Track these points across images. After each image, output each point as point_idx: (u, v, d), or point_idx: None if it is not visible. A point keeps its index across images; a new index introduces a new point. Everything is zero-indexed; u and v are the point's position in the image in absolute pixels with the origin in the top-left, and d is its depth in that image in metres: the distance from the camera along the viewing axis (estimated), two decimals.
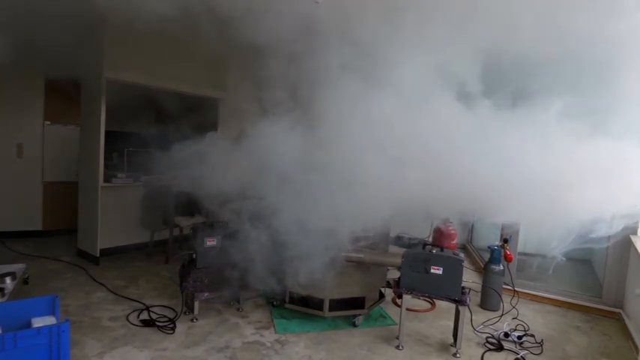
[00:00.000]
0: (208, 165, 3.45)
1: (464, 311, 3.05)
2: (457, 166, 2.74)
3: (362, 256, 3.41)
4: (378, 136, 2.92)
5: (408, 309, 3.32)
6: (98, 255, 4.75)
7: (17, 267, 3.73)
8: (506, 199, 2.66)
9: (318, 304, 3.47)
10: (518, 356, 3.09)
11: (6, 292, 3.15)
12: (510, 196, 2.64)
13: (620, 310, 3.90)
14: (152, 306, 3.62)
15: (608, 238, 3.61)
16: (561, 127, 2.56)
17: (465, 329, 3.19)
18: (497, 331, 3.41)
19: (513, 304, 3.84)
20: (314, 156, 3.03)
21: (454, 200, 2.83)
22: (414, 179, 2.79)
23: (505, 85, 2.95)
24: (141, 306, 3.63)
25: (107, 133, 4.68)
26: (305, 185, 3.05)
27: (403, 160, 2.83)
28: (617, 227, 2.68)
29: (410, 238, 3.71)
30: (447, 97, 2.91)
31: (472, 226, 5.99)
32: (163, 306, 3.64)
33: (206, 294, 3.41)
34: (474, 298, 4.00)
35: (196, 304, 3.41)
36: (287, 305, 3.59)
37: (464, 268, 3.09)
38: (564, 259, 2.87)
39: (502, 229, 4.39)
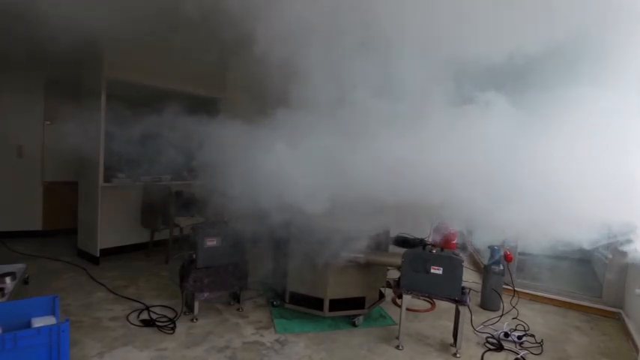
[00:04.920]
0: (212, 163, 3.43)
1: (464, 311, 3.05)
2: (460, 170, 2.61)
3: (362, 256, 3.41)
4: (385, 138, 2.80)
5: (408, 309, 3.31)
6: (98, 255, 4.76)
7: (17, 267, 3.73)
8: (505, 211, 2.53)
9: (318, 304, 3.47)
10: (518, 356, 3.09)
11: (6, 292, 3.15)
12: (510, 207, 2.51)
13: (620, 310, 3.90)
14: (152, 306, 3.62)
15: (608, 245, 3.61)
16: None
17: (465, 329, 3.19)
18: (497, 331, 3.41)
19: (513, 304, 3.85)
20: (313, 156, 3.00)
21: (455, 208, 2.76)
22: (417, 183, 2.69)
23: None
24: (141, 306, 3.63)
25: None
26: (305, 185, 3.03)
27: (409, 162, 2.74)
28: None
29: (410, 239, 3.69)
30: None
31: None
32: (163, 306, 3.64)
33: (206, 294, 3.41)
34: (474, 298, 4.00)
35: (196, 304, 3.41)
36: (287, 305, 3.59)
37: (464, 268, 3.09)
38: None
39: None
